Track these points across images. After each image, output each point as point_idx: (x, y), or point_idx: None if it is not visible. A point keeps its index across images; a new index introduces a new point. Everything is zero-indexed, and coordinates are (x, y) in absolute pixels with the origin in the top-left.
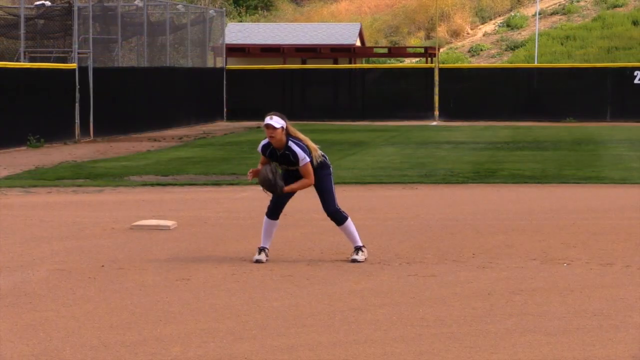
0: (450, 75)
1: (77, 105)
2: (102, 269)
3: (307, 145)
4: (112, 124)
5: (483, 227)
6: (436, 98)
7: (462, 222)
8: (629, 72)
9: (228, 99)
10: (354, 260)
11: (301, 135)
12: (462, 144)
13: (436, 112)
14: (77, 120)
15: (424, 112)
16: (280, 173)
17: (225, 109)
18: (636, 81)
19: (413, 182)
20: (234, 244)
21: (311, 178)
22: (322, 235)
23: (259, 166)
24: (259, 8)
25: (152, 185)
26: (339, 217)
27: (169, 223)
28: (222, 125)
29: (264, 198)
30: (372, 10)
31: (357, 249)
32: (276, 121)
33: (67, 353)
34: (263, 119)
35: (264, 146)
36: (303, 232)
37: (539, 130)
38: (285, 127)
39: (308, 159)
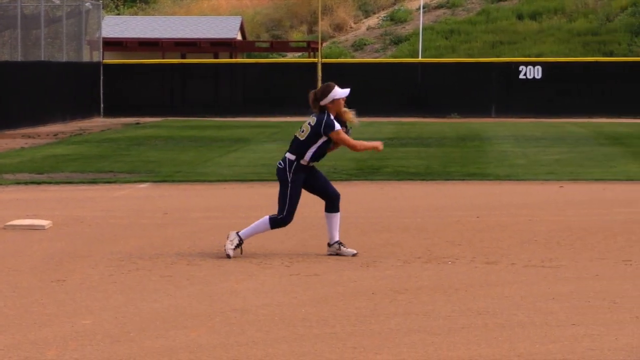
0: (334, 70)
1: None
2: None
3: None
4: None
5: (366, 225)
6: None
7: (345, 219)
8: (514, 67)
9: (105, 94)
10: (349, 254)
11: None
12: None
13: None
14: None
15: (306, 108)
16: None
17: (102, 105)
18: (521, 76)
19: None
20: (111, 244)
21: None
22: (202, 234)
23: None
24: (137, 0)
25: (26, 183)
26: (338, 204)
27: (44, 223)
28: (98, 122)
29: (141, 197)
30: (253, 4)
31: (340, 244)
32: None
33: None
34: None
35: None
36: (182, 231)
37: (423, 126)
38: None
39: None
